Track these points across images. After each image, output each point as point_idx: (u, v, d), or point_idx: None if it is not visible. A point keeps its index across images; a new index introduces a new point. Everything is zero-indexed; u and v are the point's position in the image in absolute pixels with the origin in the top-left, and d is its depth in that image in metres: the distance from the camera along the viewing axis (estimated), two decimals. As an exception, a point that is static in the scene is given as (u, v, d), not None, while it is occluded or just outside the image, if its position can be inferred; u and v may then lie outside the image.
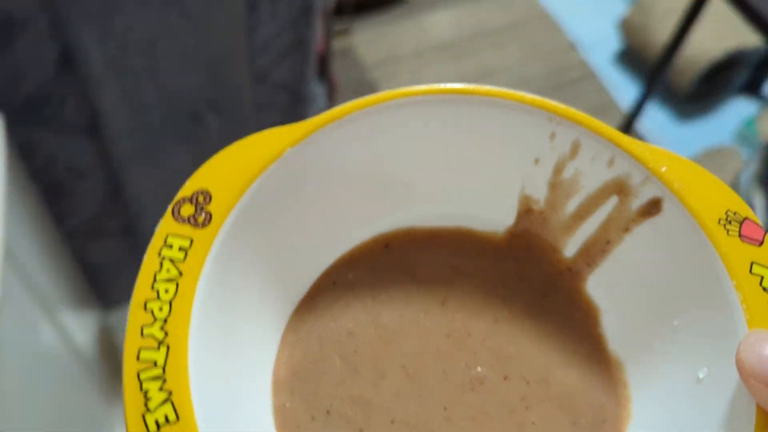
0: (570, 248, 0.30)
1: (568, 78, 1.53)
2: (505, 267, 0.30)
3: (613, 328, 0.29)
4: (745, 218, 0.26)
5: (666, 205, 0.27)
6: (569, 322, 0.29)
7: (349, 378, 0.27)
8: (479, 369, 0.27)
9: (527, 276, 0.30)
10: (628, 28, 1.53)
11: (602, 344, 0.29)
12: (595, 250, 0.30)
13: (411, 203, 0.31)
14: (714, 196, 0.26)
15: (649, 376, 0.27)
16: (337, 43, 1.47)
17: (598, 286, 0.30)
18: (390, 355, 0.27)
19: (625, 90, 1.53)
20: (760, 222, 0.26)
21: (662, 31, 1.39)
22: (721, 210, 0.26)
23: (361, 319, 0.28)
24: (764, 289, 0.25)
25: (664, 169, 0.27)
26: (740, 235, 0.26)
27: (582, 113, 0.28)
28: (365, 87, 1.42)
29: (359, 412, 0.26)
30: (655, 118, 1.48)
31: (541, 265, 0.31)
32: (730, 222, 0.26)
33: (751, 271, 0.25)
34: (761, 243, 0.26)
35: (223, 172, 0.26)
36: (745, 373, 0.23)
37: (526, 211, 0.31)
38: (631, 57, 1.57)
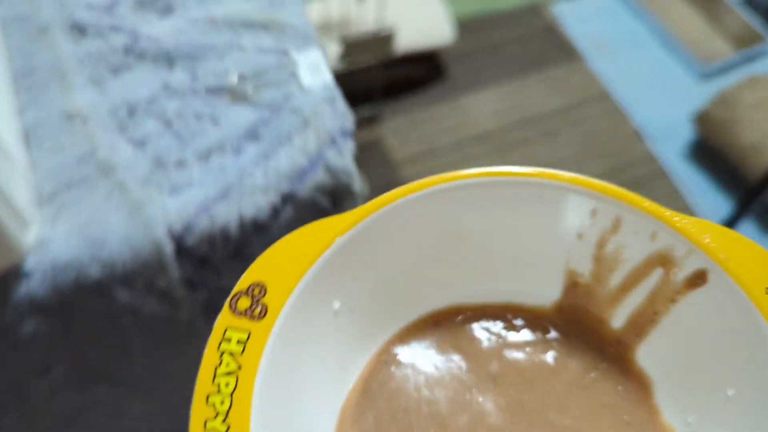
0: (618, 320, 0.31)
1: (633, 175, 1.29)
2: (555, 341, 0.31)
3: (667, 398, 0.29)
4: (794, 287, 0.26)
5: (711, 276, 0.27)
6: (622, 393, 0.29)
7: None
8: None
9: (576, 349, 0.30)
10: (706, 121, 1.29)
11: (656, 415, 0.29)
12: (643, 321, 0.30)
13: (459, 282, 0.31)
14: (759, 266, 0.27)
15: None
16: (364, 134, 1.28)
17: (648, 357, 0.30)
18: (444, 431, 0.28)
19: (701, 194, 1.27)
20: (809, 290, 0.26)
21: (750, 130, 1.22)
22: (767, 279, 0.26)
23: (414, 397, 0.29)
24: (818, 359, 0.25)
25: (707, 240, 0.27)
26: (789, 304, 0.26)
27: (622, 190, 0.29)
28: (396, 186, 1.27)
29: None
30: (746, 232, 1.21)
31: (590, 337, 0.31)
32: (779, 292, 0.26)
33: (803, 341, 0.25)
34: (812, 312, 0.25)
35: (277, 264, 0.27)
36: None
37: (572, 284, 0.31)
38: (706, 153, 1.31)
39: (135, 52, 0.51)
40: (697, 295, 0.28)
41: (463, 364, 0.30)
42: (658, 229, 0.28)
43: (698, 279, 0.28)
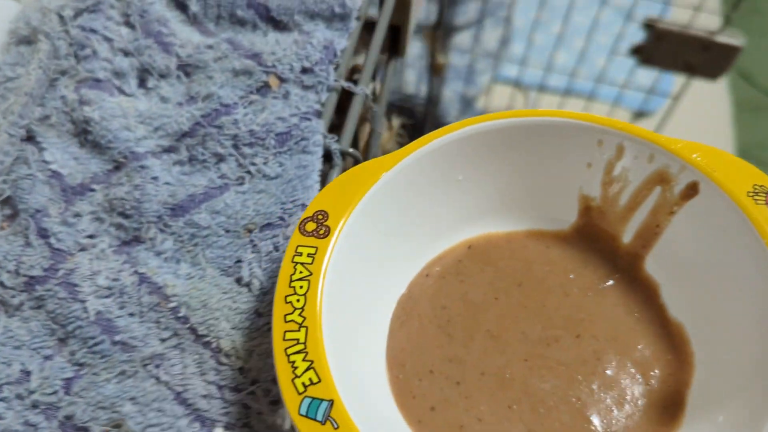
0: (627, 235, 0.36)
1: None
2: (572, 256, 0.36)
3: (672, 298, 0.34)
4: (771, 190, 0.31)
5: (702, 187, 0.32)
6: (632, 295, 0.34)
7: (446, 343, 0.33)
8: (554, 330, 0.33)
9: (592, 261, 0.36)
10: None
11: (664, 312, 0.34)
12: (648, 234, 0.35)
13: (487, 212, 0.37)
14: (741, 174, 0.31)
15: (708, 332, 0.32)
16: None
17: (655, 264, 0.35)
18: (477, 322, 0.33)
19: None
20: (784, 192, 0.31)
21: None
22: (749, 185, 0.31)
23: (452, 295, 0.34)
24: (792, 244, 0.29)
25: (695, 156, 0.32)
26: (767, 203, 0.31)
27: (622, 121, 0.34)
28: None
29: (455, 369, 0.32)
30: None
31: (603, 252, 0.36)
32: (757, 193, 0.31)
33: (779, 232, 0.30)
34: (787, 209, 0.30)
35: (336, 196, 0.33)
36: None
37: (585, 208, 0.36)
38: None
39: None
40: (691, 205, 0.33)
41: (492, 274, 0.35)
42: (654, 151, 0.33)
43: (691, 191, 0.33)
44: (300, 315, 0.30)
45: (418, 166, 0.34)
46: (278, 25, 0.37)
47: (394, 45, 0.41)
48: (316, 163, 0.36)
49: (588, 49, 1.01)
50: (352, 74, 0.42)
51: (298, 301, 0.30)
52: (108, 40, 0.37)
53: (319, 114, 0.36)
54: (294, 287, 0.30)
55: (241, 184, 0.36)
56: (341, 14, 0.35)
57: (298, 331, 0.29)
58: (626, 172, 0.35)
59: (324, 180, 0.37)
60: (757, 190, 0.31)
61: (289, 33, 0.37)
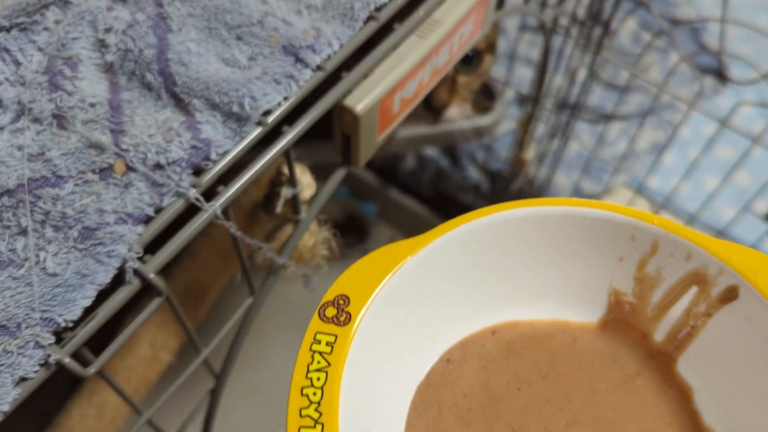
0: (659, 333, 0.34)
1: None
2: (600, 351, 0.34)
3: (706, 404, 0.32)
4: (816, 301, 0.29)
5: (742, 292, 0.31)
6: (663, 398, 0.33)
7: None
8: (578, 428, 0.31)
9: (621, 357, 0.34)
10: None
11: (697, 418, 0.32)
12: (683, 335, 0.33)
13: (513, 299, 0.35)
14: (785, 283, 0.30)
15: None
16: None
17: (688, 367, 0.33)
18: (498, 414, 0.31)
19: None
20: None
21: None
22: (794, 294, 0.30)
23: (473, 383, 0.33)
24: (839, 363, 0.28)
25: (735, 259, 0.31)
26: (812, 316, 0.29)
27: (658, 216, 0.33)
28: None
29: None
30: None
31: (633, 349, 0.34)
32: (802, 305, 0.29)
33: (825, 347, 0.28)
34: (832, 322, 0.29)
35: (358, 279, 0.31)
36: None
37: (616, 302, 0.35)
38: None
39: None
40: (730, 309, 0.31)
41: (516, 363, 0.33)
42: (691, 251, 0.32)
43: (730, 294, 0.31)
44: (316, 410, 0.28)
45: (445, 251, 0.33)
46: (180, 103, 0.32)
47: (347, 153, 0.36)
48: (100, 277, 0.30)
49: (720, 192, 0.82)
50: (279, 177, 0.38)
51: (314, 394, 0.29)
52: (17, 63, 0.33)
53: (145, 221, 0.30)
54: (311, 378, 0.29)
55: (20, 268, 0.30)
56: (238, 114, 0.30)
57: (314, 428, 0.28)
58: (661, 269, 0.33)
59: (102, 299, 0.31)
60: (802, 301, 0.30)
61: (183, 116, 0.32)
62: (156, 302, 0.30)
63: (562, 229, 0.34)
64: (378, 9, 0.32)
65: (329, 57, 0.31)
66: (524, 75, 1.08)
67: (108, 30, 0.33)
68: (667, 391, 0.33)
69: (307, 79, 0.31)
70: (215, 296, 0.48)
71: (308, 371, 0.29)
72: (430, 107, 0.54)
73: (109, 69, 0.33)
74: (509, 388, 0.33)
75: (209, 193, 0.31)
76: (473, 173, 0.95)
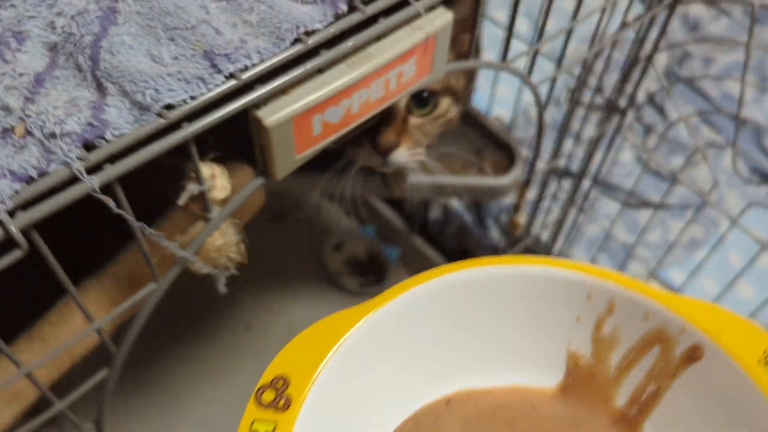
0: (621, 397, 0.32)
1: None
2: (561, 417, 0.32)
3: None
4: (783, 357, 0.28)
5: (707, 351, 0.29)
6: (631, 469, 0.31)
7: None
8: None
9: (583, 424, 0.32)
10: None
11: None
12: (646, 397, 0.31)
13: (467, 367, 0.33)
14: (749, 339, 0.29)
15: None
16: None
17: (654, 431, 0.31)
18: None
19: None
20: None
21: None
22: (759, 350, 0.28)
23: None
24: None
25: (697, 316, 0.29)
26: (781, 373, 0.28)
27: (615, 273, 0.31)
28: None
29: None
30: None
31: (596, 414, 0.32)
32: (769, 362, 0.28)
33: (795, 406, 0.27)
34: (802, 380, 0.27)
35: (298, 357, 0.28)
36: None
37: (575, 365, 0.33)
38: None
39: None
40: (696, 369, 0.30)
41: None
42: (649, 308, 0.30)
43: (694, 353, 0.30)
44: None
45: (392, 319, 0.30)
46: (99, 86, 0.34)
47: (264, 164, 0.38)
48: None
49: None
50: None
51: (252, 495, 0.25)
52: None
53: (27, 181, 0.30)
54: (248, 477, 0.26)
55: None
56: (140, 103, 0.32)
57: None
58: (619, 329, 0.31)
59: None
60: (768, 358, 0.28)
61: (96, 97, 0.34)
62: (15, 254, 0.30)
63: (517, 288, 0.32)
64: (308, 33, 0.34)
65: (246, 68, 0.33)
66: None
67: (59, 14, 0.36)
68: (634, 458, 0.31)
69: (218, 84, 0.32)
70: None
71: (244, 469, 0.26)
72: (377, 146, 0.52)
73: (53, 48, 0.36)
74: None
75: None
76: (495, 233, 0.93)
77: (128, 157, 0.32)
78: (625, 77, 0.66)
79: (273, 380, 0.28)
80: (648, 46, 0.61)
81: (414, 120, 0.54)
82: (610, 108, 0.72)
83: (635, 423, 0.32)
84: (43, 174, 0.31)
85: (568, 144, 0.79)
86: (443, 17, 0.40)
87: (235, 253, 0.41)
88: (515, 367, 0.33)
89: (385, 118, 0.52)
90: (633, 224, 0.93)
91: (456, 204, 0.94)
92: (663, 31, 0.59)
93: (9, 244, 0.30)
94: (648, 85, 0.86)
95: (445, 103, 0.54)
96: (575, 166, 0.90)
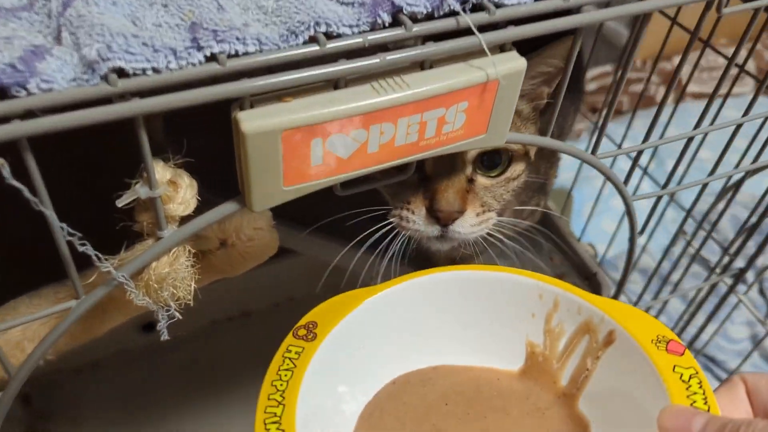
0: (565, 378, 0.42)
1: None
2: (517, 389, 0.43)
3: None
4: (671, 339, 0.38)
5: (618, 335, 0.40)
6: (565, 428, 0.40)
7: (399, 427, 0.39)
8: None
9: (533, 396, 0.42)
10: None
11: None
12: (581, 378, 0.42)
13: (449, 350, 0.44)
14: (648, 327, 0.39)
15: None
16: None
17: (586, 404, 0.41)
18: (428, 418, 0.40)
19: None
20: (681, 341, 0.38)
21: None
22: (654, 335, 0.39)
23: (412, 398, 0.41)
24: (683, 381, 0.36)
25: (612, 310, 0.40)
26: (667, 350, 0.38)
27: (556, 279, 0.43)
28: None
29: None
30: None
31: (545, 391, 0.43)
32: (660, 342, 0.38)
33: (673, 370, 0.37)
34: (681, 354, 0.38)
35: (327, 312, 0.42)
36: (662, 431, 0.34)
37: (531, 353, 0.44)
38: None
39: None
40: (612, 350, 0.40)
41: (448, 385, 0.42)
42: (580, 305, 0.41)
43: (610, 338, 0.40)
44: (281, 395, 0.37)
45: (394, 299, 0.43)
46: (58, 33, 0.29)
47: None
48: None
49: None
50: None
51: (281, 385, 0.38)
52: None
53: None
54: (280, 375, 0.38)
55: None
56: (87, 59, 0.27)
57: (277, 407, 0.37)
58: (562, 322, 0.42)
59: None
60: (660, 340, 0.38)
61: (48, 42, 0.29)
62: None
63: (487, 289, 0.43)
64: (329, 36, 0.29)
65: (236, 54, 0.28)
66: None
67: None
68: (569, 423, 0.41)
69: (194, 62, 0.27)
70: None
71: (279, 370, 0.38)
72: (434, 213, 0.45)
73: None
74: (439, 402, 0.41)
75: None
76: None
77: (49, 118, 0.26)
78: (748, 235, 0.58)
79: (307, 323, 0.41)
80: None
81: (482, 180, 0.46)
82: (725, 267, 0.66)
83: (573, 398, 0.42)
84: None
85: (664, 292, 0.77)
86: (514, 63, 0.33)
87: (181, 289, 0.35)
88: (486, 353, 0.44)
89: (445, 170, 0.44)
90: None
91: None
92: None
93: None
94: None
95: (519, 168, 0.47)
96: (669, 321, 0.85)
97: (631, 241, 0.50)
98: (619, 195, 0.46)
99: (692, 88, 1.37)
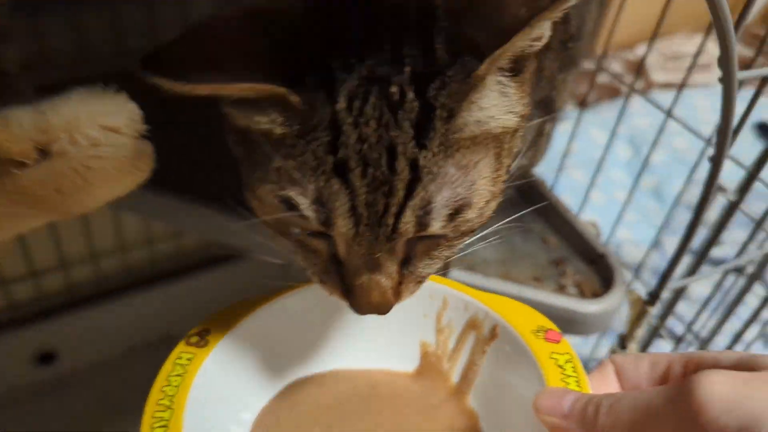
0: (456, 376, 0.44)
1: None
2: (412, 389, 0.44)
3: (488, 427, 0.41)
4: (549, 329, 0.40)
5: (500, 329, 0.41)
6: (456, 423, 0.42)
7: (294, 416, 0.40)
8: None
9: (427, 394, 0.43)
10: None
11: None
12: (470, 374, 0.43)
13: (346, 354, 0.45)
14: (528, 318, 0.41)
15: None
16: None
17: (476, 398, 0.43)
18: (324, 414, 0.41)
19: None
20: (559, 330, 0.40)
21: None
22: (534, 326, 0.41)
23: (309, 398, 0.42)
24: (558, 366, 0.38)
25: (492, 304, 0.42)
26: (545, 339, 0.40)
27: (446, 279, 0.44)
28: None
29: None
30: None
31: (438, 390, 0.44)
32: (539, 332, 0.40)
33: (550, 357, 0.39)
34: (558, 342, 0.39)
35: (220, 319, 0.42)
36: (537, 412, 0.35)
37: (425, 353, 0.45)
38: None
39: None
40: (495, 344, 0.42)
41: (346, 388, 0.43)
42: (466, 302, 0.43)
43: (494, 333, 0.42)
44: (170, 401, 0.37)
45: (289, 305, 0.44)
46: None
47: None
48: None
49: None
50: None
51: (170, 390, 0.38)
52: None
53: None
54: (170, 380, 0.38)
55: None
56: None
57: (165, 411, 0.37)
58: (451, 321, 0.44)
59: None
60: (539, 329, 0.40)
61: None
62: None
63: None
64: None
65: None
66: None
67: None
68: (459, 418, 0.42)
69: None
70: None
71: (168, 376, 0.39)
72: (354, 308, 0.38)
73: None
74: (334, 403, 0.42)
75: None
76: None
77: None
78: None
79: (200, 330, 0.41)
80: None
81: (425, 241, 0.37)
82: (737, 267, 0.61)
83: (464, 393, 0.43)
84: None
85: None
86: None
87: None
88: (384, 355, 0.45)
89: (367, 255, 0.35)
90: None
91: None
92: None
93: None
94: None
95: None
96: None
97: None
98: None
99: None
